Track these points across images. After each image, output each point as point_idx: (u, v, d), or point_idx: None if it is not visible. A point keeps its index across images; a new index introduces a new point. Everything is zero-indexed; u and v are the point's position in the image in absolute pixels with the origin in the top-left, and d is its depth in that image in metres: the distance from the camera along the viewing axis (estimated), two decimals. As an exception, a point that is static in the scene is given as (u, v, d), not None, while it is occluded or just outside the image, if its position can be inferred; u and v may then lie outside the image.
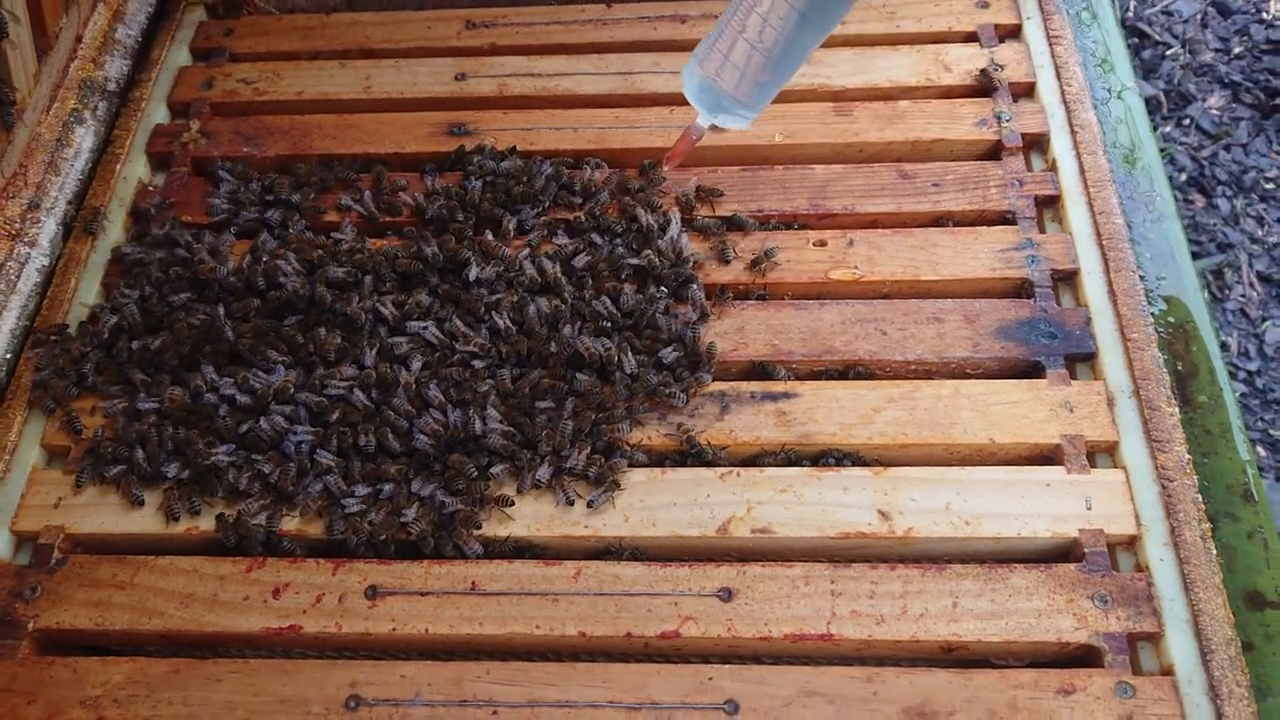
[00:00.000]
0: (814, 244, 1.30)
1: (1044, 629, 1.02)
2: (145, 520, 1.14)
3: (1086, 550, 1.06)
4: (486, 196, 1.34)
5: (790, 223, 1.33)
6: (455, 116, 1.44)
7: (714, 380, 1.20)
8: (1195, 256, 2.48)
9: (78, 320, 1.29)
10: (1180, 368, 1.22)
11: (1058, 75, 1.43)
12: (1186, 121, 2.73)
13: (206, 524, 1.13)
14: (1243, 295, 2.49)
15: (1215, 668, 1.00)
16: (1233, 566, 1.09)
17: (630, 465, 1.14)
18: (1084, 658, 1.03)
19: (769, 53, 1.06)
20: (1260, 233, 2.56)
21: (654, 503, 1.12)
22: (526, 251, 1.29)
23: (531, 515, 1.12)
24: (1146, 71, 2.82)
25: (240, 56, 1.57)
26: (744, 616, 1.04)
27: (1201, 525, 1.07)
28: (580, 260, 1.27)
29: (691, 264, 1.28)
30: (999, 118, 1.39)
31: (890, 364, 1.21)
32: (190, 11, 1.61)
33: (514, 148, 1.40)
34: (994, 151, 1.38)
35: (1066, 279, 1.27)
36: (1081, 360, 1.21)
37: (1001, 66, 1.43)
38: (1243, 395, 2.36)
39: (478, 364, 1.20)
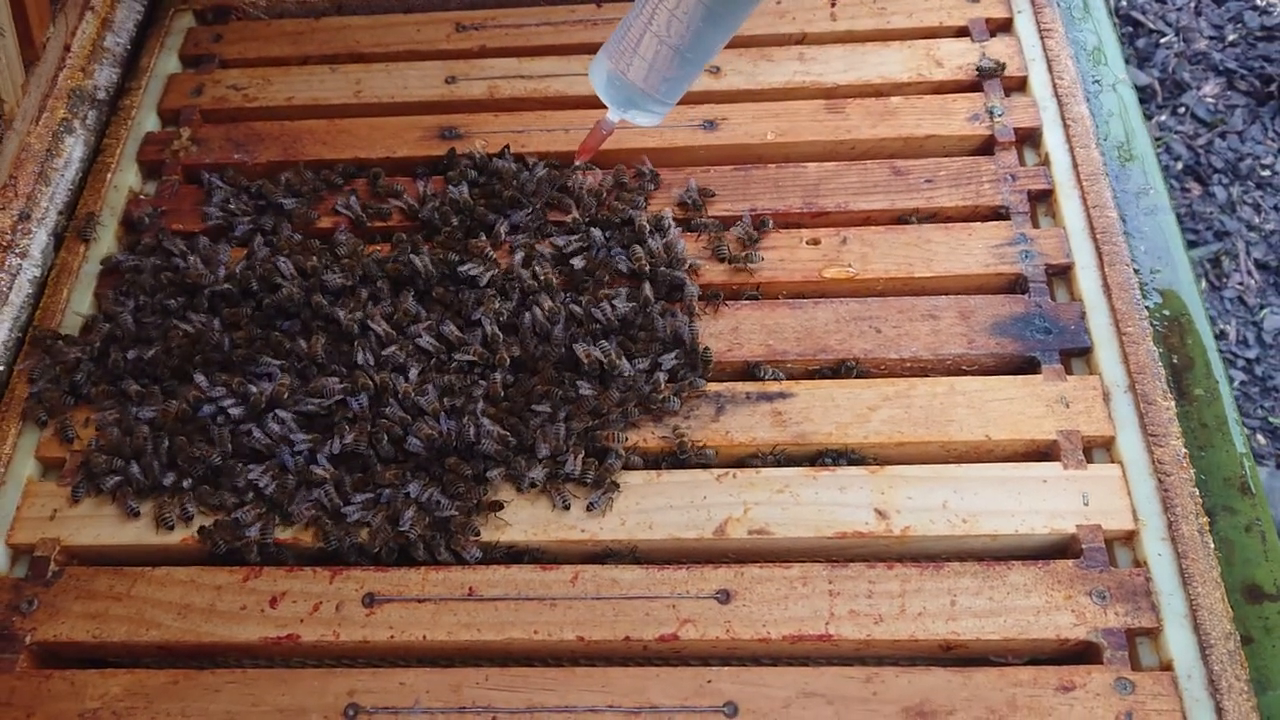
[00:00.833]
0: (807, 242, 1.29)
1: (1042, 626, 1.02)
2: (141, 531, 1.14)
3: (1084, 546, 1.06)
4: (479, 200, 1.34)
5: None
6: (446, 120, 1.44)
7: (709, 381, 1.19)
8: (1192, 245, 2.48)
9: (70, 331, 1.29)
10: (1176, 361, 1.22)
11: (1049, 69, 1.42)
12: (1182, 110, 2.73)
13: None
14: (1240, 283, 2.49)
15: (1214, 662, 0.99)
16: (1231, 560, 1.09)
17: (626, 468, 1.14)
18: (1083, 654, 1.03)
19: (676, 47, 1.06)
20: (1257, 220, 2.55)
21: (650, 505, 1.11)
22: (520, 255, 1.28)
23: (528, 520, 1.12)
24: (1141, 60, 2.81)
25: (230, 62, 1.56)
26: (742, 618, 1.04)
27: (1199, 519, 1.07)
28: (577, 262, 1.27)
29: (686, 265, 1.27)
30: (991, 112, 1.38)
31: (885, 362, 1.21)
32: (179, 18, 1.61)
33: (506, 147, 1.39)
34: (986, 146, 1.38)
35: (1060, 273, 1.27)
36: (1077, 355, 1.21)
37: (1002, 64, 1.42)
38: (1242, 383, 2.36)
39: (473, 369, 1.20)
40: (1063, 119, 1.37)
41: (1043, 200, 1.33)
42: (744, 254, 1.27)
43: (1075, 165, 1.33)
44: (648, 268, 1.26)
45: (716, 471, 1.13)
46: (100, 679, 1.05)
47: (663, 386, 1.16)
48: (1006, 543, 1.09)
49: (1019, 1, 1.49)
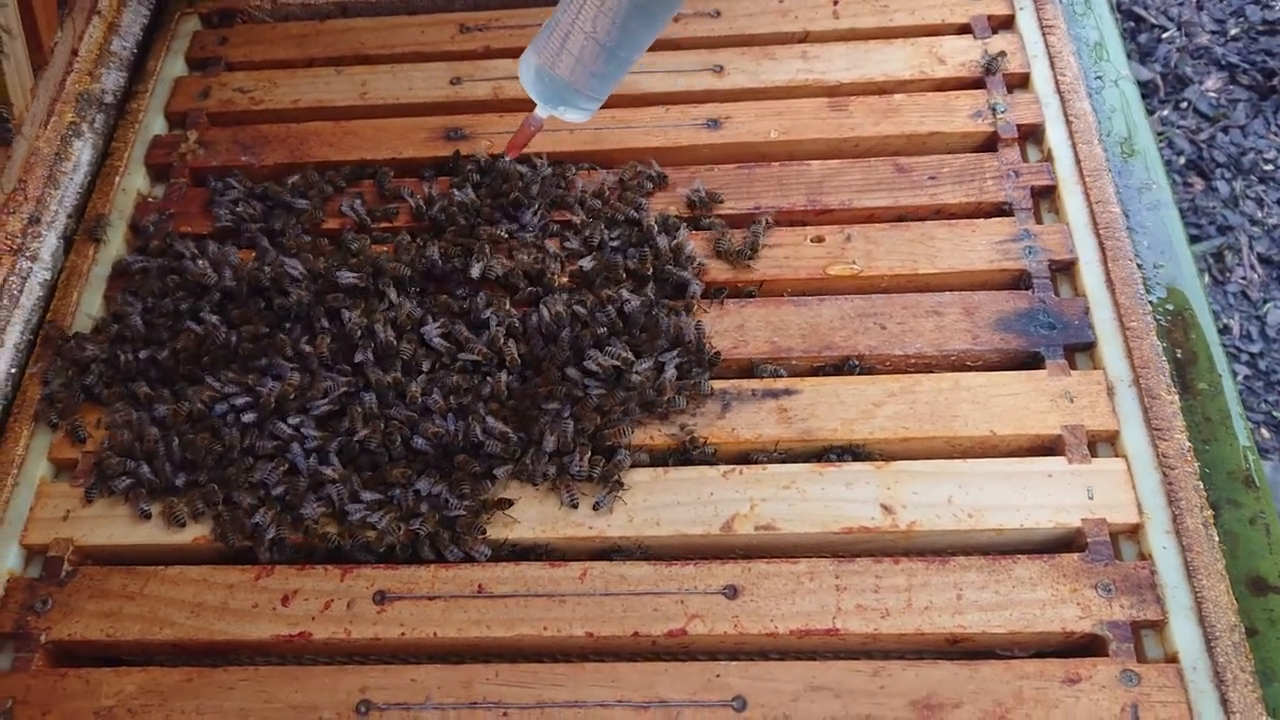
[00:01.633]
0: (811, 240, 1.30)
1: (1048, 619, 1.03)
2: (154, 531, 1.15)
3: (1089, 540, 1.07)
4: (486, 199, 1.35)
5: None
6: (451, 121, 1.45)
7: (715, 379, 1.20)
8: (1195, 240, 2.48)
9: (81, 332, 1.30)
10: (1179, 355, 1.22)
11: (1052, 65, 1.43)
12: (1184, 104, 2.73)
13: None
14: (1244, 277, 2.49)
15: (1219, 654, 1.00)
16: (1235, 552, 1.09)
17: (633, 465, 1.15)
18: (1088, 647, 1.04)
19: (603, 42, 1.06)
20: (1260, 214, 2.55)
21: (658, 502, 1.12)
22: (527, 256, 1.29)
23: (537, 517, 1.13)
24: (1143, 55, 2.81)
25: (236, 65, 1.57)
26: (750, 613, 1.05)
27: (1203, 512, 1.08)
28: (585, 263, 1.28)
29: (694, 265, 1.28)
30: (994, 109, 1.39)
31: (890, 358, 1.22)
32: (185, 21, 1.62)
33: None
34: (990, 143, 1.38)
35: (1064, 269, 1.27)
36: (1081, 350, 1.22)
37: (1004, 54, 1.43)
38: (1246, 378, 2.36)
39: (478, 369, 1.21)
40: (1065, 115, 1.38)
41: (1046, 196, 1.33)
42: (745, 247, 1.28)
43: (1078, 161, 1.33)
44: (652, 269, 1.27)
45: (723, 468, 1.14)
46: (115, 677, 1.06)
47: (668, 388, 1.16)
48: (1012, 537, 1.10)
49: (1021, -2, 1.50)
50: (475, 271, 1.26)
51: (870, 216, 1.33)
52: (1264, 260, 2.51)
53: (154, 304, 1.30)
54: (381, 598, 1.08)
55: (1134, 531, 1.09)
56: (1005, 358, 1.21)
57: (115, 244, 1.38)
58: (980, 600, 1.04)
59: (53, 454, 1.21)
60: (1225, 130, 2.67)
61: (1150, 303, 1.24)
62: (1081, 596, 1.04)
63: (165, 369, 1.24)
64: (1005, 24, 1.49)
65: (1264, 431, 2.29)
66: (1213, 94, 2.73)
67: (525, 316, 1.24)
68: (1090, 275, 1.25)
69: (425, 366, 1.21)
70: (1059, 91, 1.40)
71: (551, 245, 1.31)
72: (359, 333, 1.22)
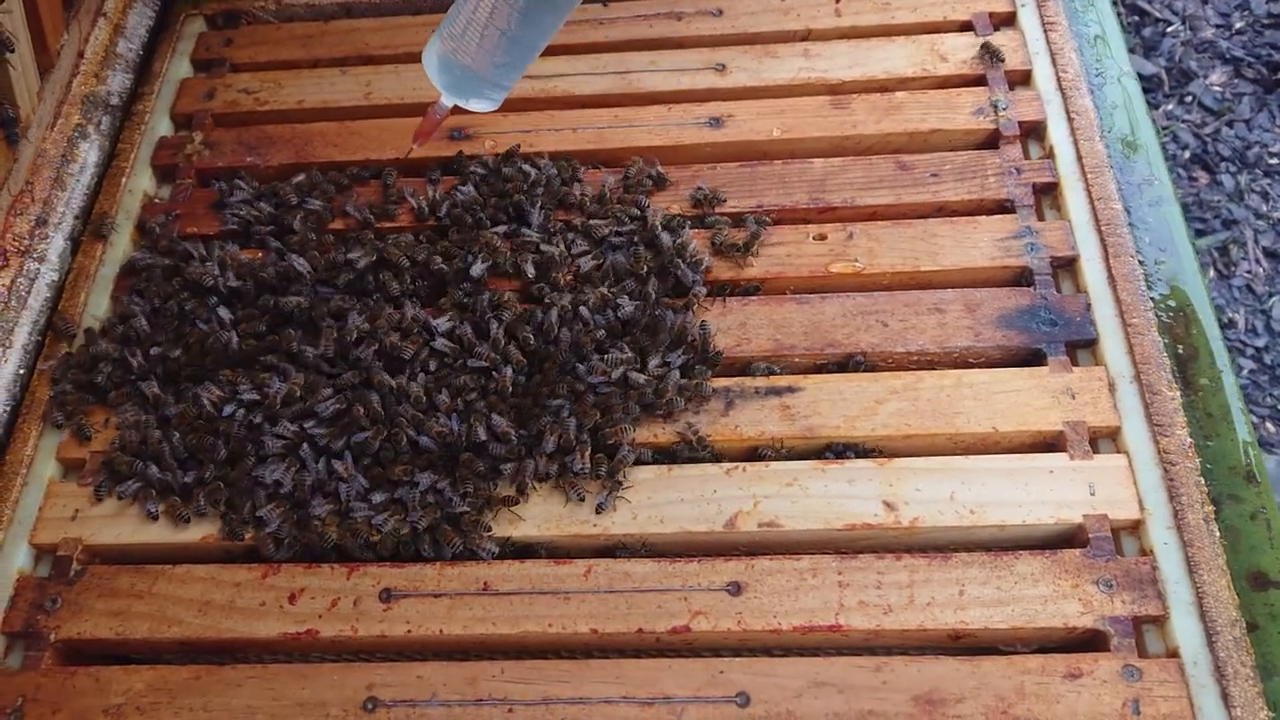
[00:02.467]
0: (814, 238, 1.31)
1: (1050, 614, 1.03)
2: (162, 530, 1.16)
3: (1091, 535, 1.07)
4: (489, 199, 1.35)
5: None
6: (455, 121, 1.45)
7: (718, 376, 1.21)
8: (1200, 234, 2.48)
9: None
10: (1181, 351, 1.23)
11: (1053, 62, 1.43)
12: (1189, 99, 2.72)
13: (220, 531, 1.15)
14: (1249, 271, 2.49)
15: (1220, 649, 1.00)
16: (1236, 548, 1.10)
17: (636, 463, 1.15)
18: (1090, 642, 1.04)
19: (504, 30, 1.06)
20: (1265, 208, 2.55)
21: (661, 499, 1.13)
22: (530, 256, 1.30)
23: (541, 514, 1.13)
24: (1147, 49, 2.81)
25: (241, 66, 1.58)
26: (753, 610, 1.06)
27: (1204, 508, 1.08)
28: (585, 263, 1.28)
29: (698, 263, 1.28)
30: (996, 106, 1.39)
31: (892, 355, 1.22)
32: (190, 23, 1.63)
33: (517, 147, 1.41)
34: (991, 140, 1.39)
35: (1066, 266, 1.27)
36: (1082, 346, 1.22)
37: (999, 50, 1.43)
38: (1251, 371, 2.36)
39: (484, 371, 1.22)
40: (1067, 112, 1.38)
41: (1048, 193, 1.34)
42: (743, 242, 1.28)
43: (1080, 158, 1.34)
44: (656, 267, 1.27)
45: (726, 465, 1.15)
46: (124, 675, 1.07)
47: (669, 390, 1.17)
48: (1014, 533, 1.10)
49: (1022, -6, 1.50)
50: (477, 271, 1.27)
51: (872, 214, 1.34)
52: (1269, 254, 2.50)
53: (160, 304, 1.30)
54: (388, 595, 1.09)
55: (1135, 527, 1.09)
56: (1007, 354, 1.22)
57: (122, 245, 1.39)
58: (982, 596, 1.05)
59: (61, 454, 1.22)
60: (1230, 124, 2.67)
61: (1152, 299, 1.24)
62: (1083, 592, 1.04)
63: (171, 368, 1.25)
64: (1007, 20, 1.49)
65: (1269, 425, 2.29)
66: (1217, 88, 2.73)
67: (530, 315, 1.24)
68: (1092, 272, 1.25)
69: (432, 366, 1.22)
70: (1060, 88, 1.40)
71: (555, 245, 1.31)
72: (361, 333, 1.23)
